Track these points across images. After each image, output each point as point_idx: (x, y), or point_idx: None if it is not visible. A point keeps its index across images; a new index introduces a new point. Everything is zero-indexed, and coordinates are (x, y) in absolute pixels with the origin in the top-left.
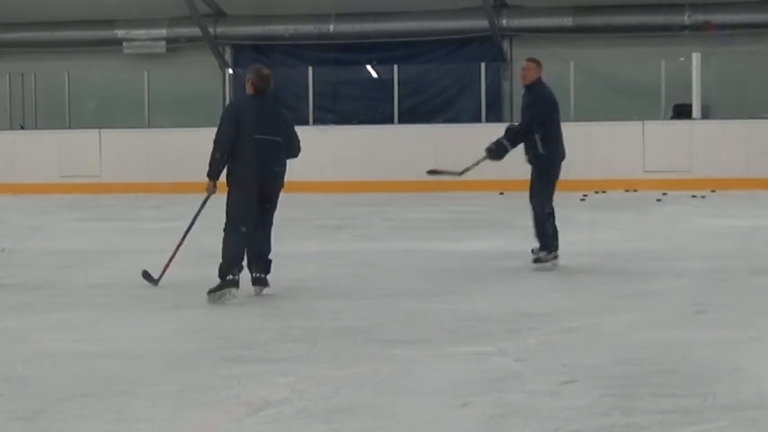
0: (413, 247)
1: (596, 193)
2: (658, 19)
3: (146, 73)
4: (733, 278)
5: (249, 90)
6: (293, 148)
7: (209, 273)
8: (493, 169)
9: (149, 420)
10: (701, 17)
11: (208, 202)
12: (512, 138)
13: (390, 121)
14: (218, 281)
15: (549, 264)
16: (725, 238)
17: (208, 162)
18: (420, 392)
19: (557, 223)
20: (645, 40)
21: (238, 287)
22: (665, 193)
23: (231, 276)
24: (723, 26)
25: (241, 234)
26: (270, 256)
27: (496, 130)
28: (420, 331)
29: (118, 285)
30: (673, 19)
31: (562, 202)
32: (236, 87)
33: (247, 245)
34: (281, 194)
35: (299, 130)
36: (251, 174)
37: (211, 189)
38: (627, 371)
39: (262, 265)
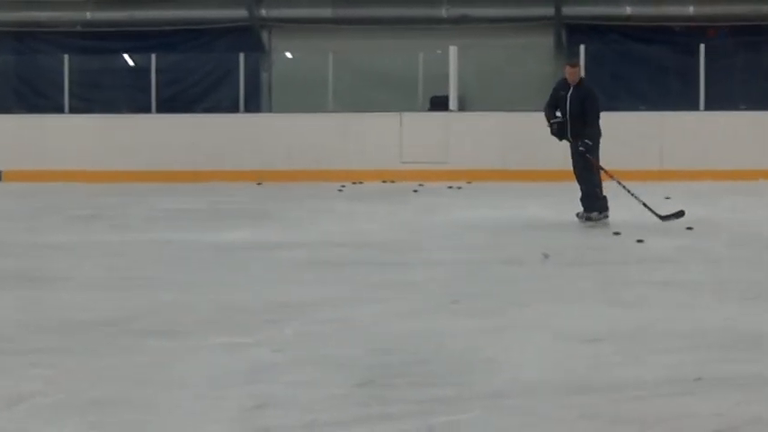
0: (170, 237)
1: (354, 183)
2: (417, 12)
3: None
4: (487, 268)
5: None
6: None
7: None
8: (252, 158)
9: None
10: (458, 11)
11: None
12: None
13: (148, 110)
14: None
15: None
16: (480, 228)
17: None
18: (178, 384)
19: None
20: (403, 32)
21: None
22: (421, 185)
23: None
24: (479, 20)
25: None
26: None
27: (255, 121)
28: (177, 322)
29: None
30: (431, 12)
31: (320, 193)
32: None
33: None
34: (33, 184)
35: (53, 118)
36: None
37: None
38: (384, 361)
39: None
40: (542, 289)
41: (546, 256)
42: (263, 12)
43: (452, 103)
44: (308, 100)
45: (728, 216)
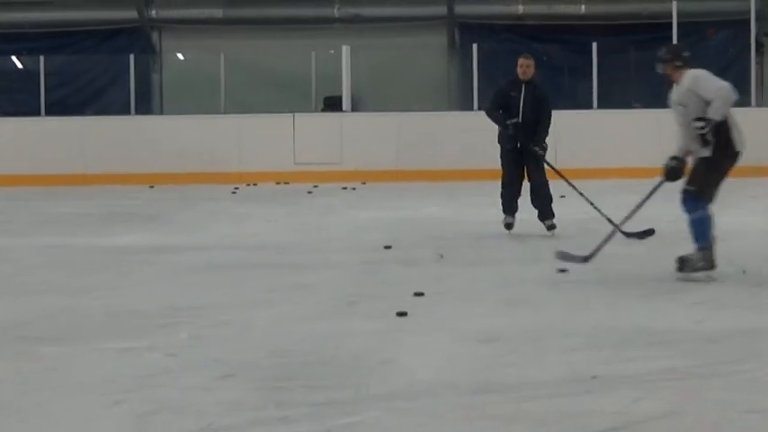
0: (61, 242)
1: (248, 185)
2: (308, 12)
3: None
4: (383, 269)
5: None
6: None
7: None
8: (144, 161)
9: None
10: (350, 10)
11: None
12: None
13: (37, 113)
14: None
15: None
16: (375, 229)
17: None
18: (69, 390)
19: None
20: (295, 32)
21: None
22: (316, 186)
23: None
24: (372, 19)
25: None
26: None
27: (146, 123)
28: (69, 327)
29: None
30: (323, 12)
31: (213, 196)
32: None
33: None
34: None
35: None
36: None
37: None
38: (280, 364)
39: None
40: (438, 289)
41: (441, 256)
42: (154, 12)
43: (346, 104)
44: (200, 102)
45: (624, 214)
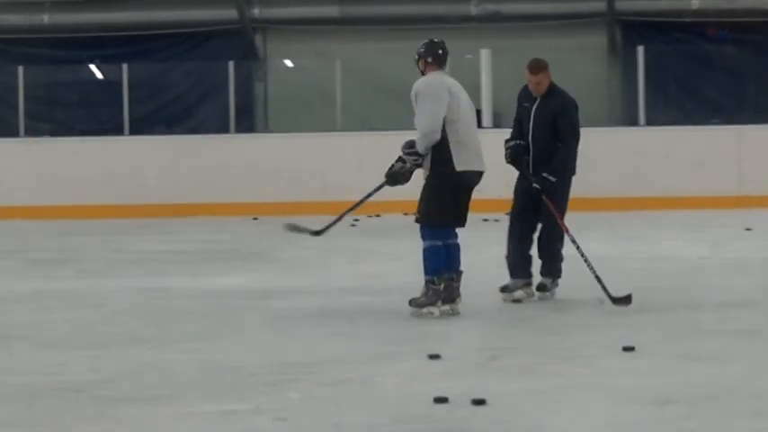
0: (151, 284)
1: (370, 216)
2: (440, 9)
3: None
4: (533, 317)
5: None
6: None
7: None
8: (246, 188)
9: None
10: (490, 7)
11: None
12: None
13: (120, 131)
14: None
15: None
16: None
17: None
18: None
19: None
20: (424, 33)
21: None
22: None
23: None
24: (515, 17)
25: None
26: None
27: (249, 142)
28: (159, 386)
29: None
30: (457, 9)
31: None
32: None
33: None
34: None
35: (4, 142)
36: None
37: None
38: (409, 430)
39: None
40: (600, 340)
41: (601, 301)
42: (257, 11)
43: (486, 119)
44: (312, 117)
45: None
